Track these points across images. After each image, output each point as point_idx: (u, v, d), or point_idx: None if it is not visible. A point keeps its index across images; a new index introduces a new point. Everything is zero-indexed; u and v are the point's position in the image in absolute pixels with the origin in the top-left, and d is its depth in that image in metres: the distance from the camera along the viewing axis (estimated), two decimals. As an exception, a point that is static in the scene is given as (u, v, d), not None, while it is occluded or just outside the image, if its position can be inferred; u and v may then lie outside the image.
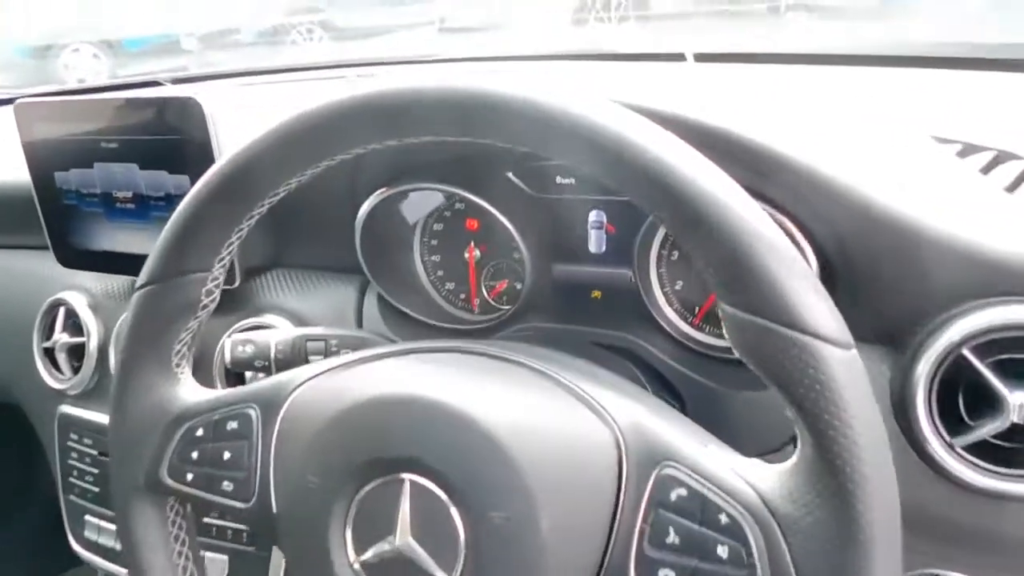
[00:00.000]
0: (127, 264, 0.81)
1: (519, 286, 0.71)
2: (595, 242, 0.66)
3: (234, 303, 0.77)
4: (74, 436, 0.88)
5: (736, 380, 0.59)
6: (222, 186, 0.44)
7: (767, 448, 0.57)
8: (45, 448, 0.95)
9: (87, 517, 0.89)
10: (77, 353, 0.87)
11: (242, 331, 0.74)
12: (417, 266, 0.74)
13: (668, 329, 0.64)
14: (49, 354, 0.89)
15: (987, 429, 0.47)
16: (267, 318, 0.74)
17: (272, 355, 0.62)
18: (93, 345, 0.85)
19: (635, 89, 0.65)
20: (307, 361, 0.61)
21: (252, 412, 0.46)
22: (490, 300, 0.73)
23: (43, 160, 0.81)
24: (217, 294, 0.48)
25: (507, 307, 0.70)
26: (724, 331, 0.36)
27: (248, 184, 0.43)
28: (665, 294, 0.65)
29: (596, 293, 0.67)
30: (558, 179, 0.66)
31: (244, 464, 0.45)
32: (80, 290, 0.88)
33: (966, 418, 0.49)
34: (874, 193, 0.48)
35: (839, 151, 0.52)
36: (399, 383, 0.43)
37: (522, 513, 0.38)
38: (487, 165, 0.66)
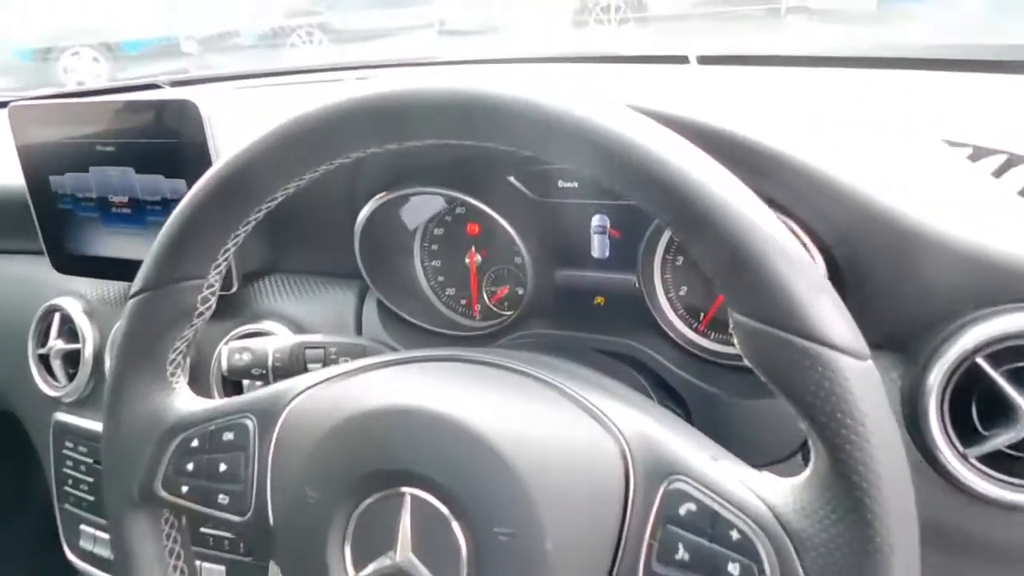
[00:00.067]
0: (123, 270, 0.80)
1: (521, 292, 0.70)
2: (598, 247, 0.65)
3: (231, 309, 0.76)
4: (69, 444, 0.87)
5: (742, 388, 0.58)
6: (219, 190, 0.43)
7: (774, 458, 0.56)
8: (40, 456, 0.94)
9: (82, 526, 0.88)
10: (72, 360, 0.86)
11: (239, 338, 0.73)
12: (417, 271, 0.73)
13: (672, 336, 0.63)
14: (44, 361, 0.88)
15: (1001, 439, 0.46)
16: (265, 324, 0.73)
17: (270, 363, 0.61)
18: (88, 352, 0.84)
19: (638, 91, 0.64)
20: (306, 369, 0.60)
21: (249, 422, 0.45)
22: (491, 306, 0.72)
23: (38, 164, 0.80)
24: (213, 301, 0.47)
25: (509, 313, 0.69)
26: (735, 340, 0.35)
27: (245, 188, 0.42)
28: (670, 300, 0.64)
29: (599, 299, 0.66)
30: (560, 183, 0.65)
31: (240, 476, 0.44)
32: (75, 296, 0.87)
33: (980, 428, 0.48)
34: (877, 194, 0.47)
35: (844, 153, 0.51)
36: (400, 393, 0.42)
37: (526, 528, 0.37)
38: (488, 169, 0.65)
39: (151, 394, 0.47)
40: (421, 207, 0.70)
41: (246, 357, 0.61)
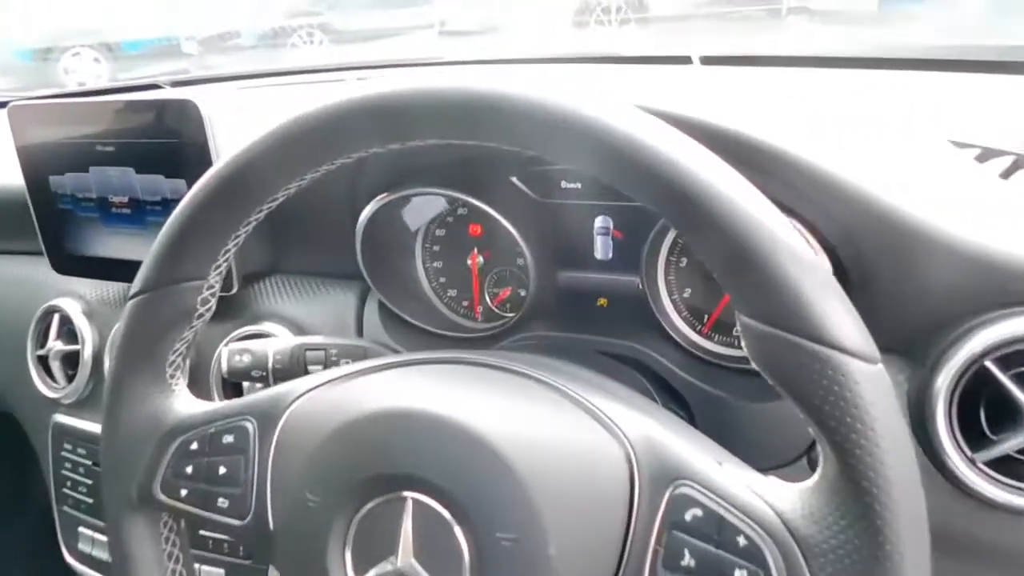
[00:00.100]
0: (123, 270, 0.79)
1: (523, 293, 0.69)
2: (601, 248, 0.65)
3: (231, 310, 0.75)
4: (68, 446, 0.86)
5: (747, 390, 0.58)
6: (219, 190, 0.42)
7: (778, 462, 0.55)
8: (39, 458, 0.93)
9: (81, 529, 0.87)
10: (71, 361, 0.86)
11: (239, 339, 0.73)
12: (419, 273, 0.73)
13: (676, 338, 0.62)
14: (43, 362, 0.88)
15: (1010, 444, 0.46)
16: (265, 326, 0.73)
17: (270, 365, 0.60)
18: (88, 353, 0.84)
19: (642, 91, 0.63)
20: (306, 371, 0.60)
21: (249, 425, 0.44)
22: (493, 307, 0.71)
23: (38, 164, 0.79)
24: (213, 303, 0.46)
25: (511, 315, 0.69)
26: (742, 343, 0.34)
27: (246, 188, 0.42)
28: (673, 302, 0.63)
29: (602, 301, 0.66)
30: (563, 184, 0.64)
31: (240, 479, 0.44)
32: (75, 297, 0.86)
33: (988, 432, 0.48)
34: (881, 192, 0.47)
35: (848, 153, 0.51)
36: (401, 396, 0.41)
37: (529, 534, 0.36)
38: (491, 169, 0.64)
39: (150, 396, 0.46)
40: (423, 208, 0.70)
41: (246, 359, 0.61)
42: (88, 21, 5.97)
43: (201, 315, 0.46)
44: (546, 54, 1.05)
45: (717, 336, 0.62)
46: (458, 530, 0.37)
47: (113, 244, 0.79)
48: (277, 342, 0.62)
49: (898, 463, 0.31)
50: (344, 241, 0.67)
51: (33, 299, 0.88)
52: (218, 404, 0.46)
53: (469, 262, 0.71)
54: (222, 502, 0.44)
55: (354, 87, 0.38)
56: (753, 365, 0.34)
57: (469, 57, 1.08)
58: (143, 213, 0.76)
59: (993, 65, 0.74)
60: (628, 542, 0.36)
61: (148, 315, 0.45)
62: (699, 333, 0.63)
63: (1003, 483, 0.46)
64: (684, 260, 0.62)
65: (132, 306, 0.45)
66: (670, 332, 0.62)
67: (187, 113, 0.68)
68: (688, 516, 0.35)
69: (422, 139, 0.38)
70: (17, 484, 1.14)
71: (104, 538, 0.85)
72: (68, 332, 0.86)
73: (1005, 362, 0.45)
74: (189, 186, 0.44)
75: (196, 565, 0.74)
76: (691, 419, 0.60)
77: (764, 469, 0.37)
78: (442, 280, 0.73)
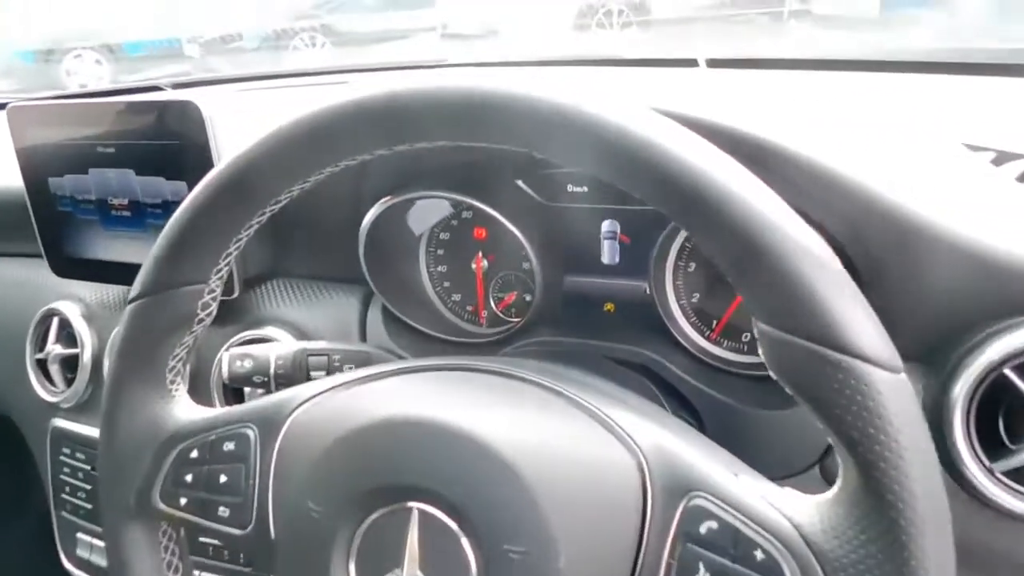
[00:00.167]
0: (123, 273, 0.78)
1: (528, 298, 0.68)
2: (608, 253, 0.64)
3: (232, 314, 0.75)
4: (67, 451, 0.86)
5: (757, 398, 0.57)
6: (220, 193, 0.41)
7: (789, 471, 0.54)
8: (37, 462, 0.92)
9: (79, 535, 0.86)
10: (71, 365, 0.85)
11: (240, 344, 0.72)
12: (423, 277, 0.72)
13: (684, 343, 0.61)
14: (42, 366, 0.87)
15: (1030, 453, 0.44)
16: (267, 330, 0.72)
17: (272, 370, 0.59)
18: (87, 357, 0.83)
19: (648, 94, 0.63)
20: (309, 377, 0.59)
21: (250, 432, 0.43)
22: (498, 312, 0.70)
23: (37, 165, 0.79)
24: (214, 307, 0.45)
25: (516, 320, 0.68)
26: (759, 350, 0.33)
27: (248, 190, 0.41)
28: (682, 307, 0.62)
29: (609, 306, 0.65)
30: (569, 187, 0.63)
31: (241, 488, 0.43)
32: (74, 300, 0.85)
33: (1007, 441, 0.46)
34: (886, 190, 0.46)
35: (858, 153, 0.50)
36: (407, 404, 0.40)
37: (538, 546, 0.35)
38: (496, 172, 0.63)
39: (149, 402, 0.45)
40: (427, 211, 0.69)
41: (247, 364, 0.60)
42: (90, 23, 5.98)
43: (202, 320, 0.45)
44: (550, 57, 1.04)
45: (726, 342, 0.61)
46: (465, 542, 0.36)
47: (113, 247, 0.78)
48: (279, 347, 0.61)
49: (923, 476, 0.30)
50: (347, 244, 0.66)
51: (32, 302, 0.87)
52: (219, 411, 0.45)
53: (474, 266, 0.70)
54: (223, 511, 0.43)
55: (361, 87, 0.37)
56: (769, 372, 0.33)
57: (471, 60, 1.08)
58: (143, 215, 0.75)
59: (1001, 68, 0.73)
60: (640, 555, 0.35)
61: (147, 320, 0.44)
62: (708, 339, 0.62)
63: (1022, 494, 0.45)
64: (692, 264, 0.61)
65: (131, 311, 0.44)
66: (678, 338, 0.61)
67: (188, 114, 0.67)
68: (703, 529, 0.34)
69: (431, 141, 0.37)
70: (15, 489, 1.13)
71: (102, 544, 0.84)
72: (67, 335, 0.85)
73: (1024, 370, 0.44)
74: (190, 188, 0.43)
75: (196, 572, 0.73)
76: (700, 426, 0.59)
77: (774, 478, 0.36)
78: (446, 284, 0.72)
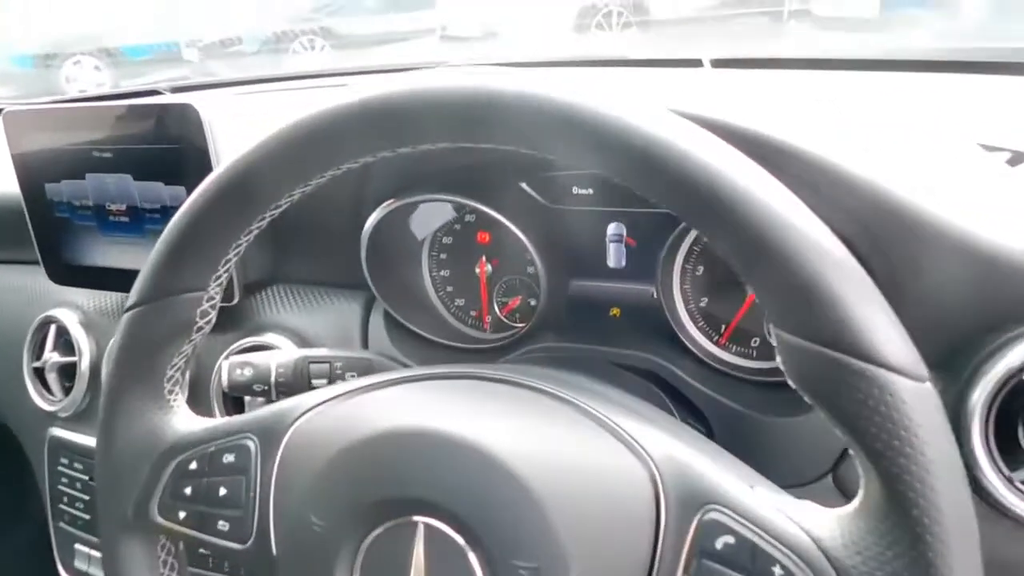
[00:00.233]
0: (121, 280, 0.77)
1: (533, 303, 0.67)
2: (614, 256, 0.63)
3: (232, 321, 0.74)
4: (64, 460, 0.85)
5: (767, 404, 0.56)
6: (219, 197, 0.40)
7: (800, 480, 0.53)
8: (35, 472, 0.91)
9: (77, 545, 0.86)
10: (68, 373, 0.84)
11: (240, 352, 0.71)
12: (426, 282, 0.71)
13: (693, 349, 0.60)
14: (39, 374, 0.86)
15: (1051, 462, 0.43)
16: (268, 337, 0.71)
17: (272, 379, 0.58)
18: (85, 365, 0.82)
19: (653, 94, 0.61)
20: (310, 385, 0.58)
21: (250, 444, 0.42)
22: (502, 317, 0.69)
23: (33, 171, 0.78)
24: (213, 315, 0.44)
25: (520, 325, 0.67)
26: (777, 358, 0.32)
27: (248, 195, 0.40)
28: (689, 311, 0.61)
29: (615, 310, 0.64)
30: (575, 189, 0.62)
31: (241, 501, 0.42)
32: (72, 307, 0.85)
33: (1027, 449, 0.45)
34: (894, 187, 0.45)
35: (868, 153, 0.49)
36: (411, 414, 0.39)
37: (548, 561, 0.34)
38: (499, 175, 0.62)
39: (147, 413, 0.44)
40: (430, 215, 0.68)
41: (248, 372, 0.59)
42: (89, 27, 5.98)
43: (200, 328, 0.44)
44: (552, 58, 1.03)
45: (735, 347, 0.60)
46: (473, 557, 0.35)
47: (111, 253, 0.77)
48: (280, 354, 0.60)
49: (950, 490, 0.29)
50: (349, 249, 0.65)
51: (29, 310, 0.87)
52: (218, 421, 0.44)
53: (477, 271, 0.69)
54: (222, 525, 0.42)
55: (365, 88, 0.36)
56: (781, 379, 0.32)
57: (471, 61, 1.07)
58: (141, 221, 0.74)
59: (1004, 66, 0.72)
60: (654, 571, 0.34)
61: (145, 328, 0.43)
62: (716, 344, 0.61)
63: (1043, 503, 0.44)
64: (700, 268, 0.60)
65: (128, 319, 0.43)
66: (686, 343, 0.60)
67: (187, 117, 0.66)
68: (719, 543, 0.33)
69: (435, 143, 0.36)
70: (12, 498, 1.12)
71: (101, 555, 0.83)
72: (65, 343, 0.84)
73: (1045, 376, 0.43)
74: (189, 193, 0.42)
75: (195, 585, 0.72)
76: (709, 433, 0.57)
77: (785, 488, 0.35)
78: (449, 289, 0.71)
